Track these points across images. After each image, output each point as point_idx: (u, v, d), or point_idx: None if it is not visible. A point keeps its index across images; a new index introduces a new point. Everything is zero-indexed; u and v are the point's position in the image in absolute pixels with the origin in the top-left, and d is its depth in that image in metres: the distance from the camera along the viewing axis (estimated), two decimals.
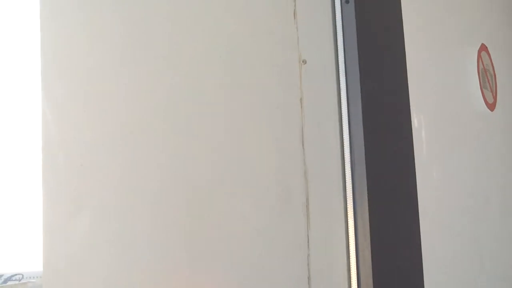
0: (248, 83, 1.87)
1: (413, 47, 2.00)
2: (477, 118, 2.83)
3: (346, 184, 1.85)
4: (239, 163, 1.83)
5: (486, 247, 2.72)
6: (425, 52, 2.32)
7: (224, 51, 1.88)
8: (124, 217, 1.77)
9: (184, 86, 1.85)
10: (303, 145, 1.87)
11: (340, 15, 1.89)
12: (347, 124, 1.86)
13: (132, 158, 1.80)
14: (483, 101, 2.84)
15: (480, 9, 3.13)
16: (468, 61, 2.77)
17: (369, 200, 1.75)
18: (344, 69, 1.87)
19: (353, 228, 1.81)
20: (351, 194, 1.83)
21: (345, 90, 1.87)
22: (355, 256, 1.80)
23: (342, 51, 1.88)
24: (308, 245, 1.83)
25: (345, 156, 1.86)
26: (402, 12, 1.93)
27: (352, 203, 1.82)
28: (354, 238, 1.81)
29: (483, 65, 2.86)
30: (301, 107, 1.89)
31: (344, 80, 1.87)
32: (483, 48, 2.90)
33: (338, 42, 1.90)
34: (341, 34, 1.89)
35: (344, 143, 1.86)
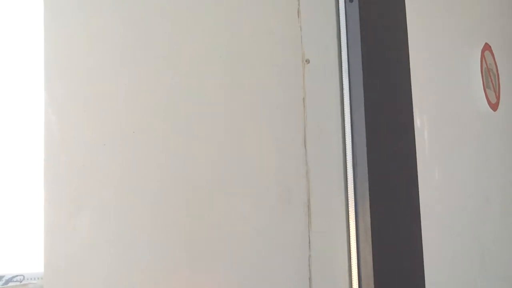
0: (250, 83, 1.87)
1: (417, 47, 1.99)
2: (480, 118, 2.82)
3: (348, 184, 1.85)
4: (240, 163, 1.83)
5: (487, 247, 2.72)
6: (428, 52, 2.32)
7: (226, 50, 1.88)
8: (125, 217, 1.77)
9: (185, 86, 1.84)
10: (305, 145, 1.87)
11: (344, 14, 1.89)
12: (350, 124, 1.85)
13: (133, 158, 1.80)
14: (486, 101, 2.84)
15: (484, 9, 3.13)
16: (472, 61, 2.77)
17: (370, 200, 1.75)
18: (347, 69, 1.87)
19: (355, 229, 1.81)
20: (353, 194, 1.83)
21: (348, 90, 1.86)
22: (356, 256, 1.80)
23: (346, 51, 1.88)
24: (309, 245, 1.83)
25: (347, 156, 1.86)
26: (406, 12, 1.93)
27: (353, 203, 1.82)
28: (355, 238, 1.81)
29: (486, 64, 2.85)
30: (304, 106, 1.88)
31: (347, 80, 1.86)
32: (486, 47, 2.90)
33: (341, 41, 1.90)
34: (345, 34, 1.89)
35: (346, 143, 1.86)
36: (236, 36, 1.89)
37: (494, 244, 2.80)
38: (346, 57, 1.88)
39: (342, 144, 1.87)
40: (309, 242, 1.83)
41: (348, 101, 1.87)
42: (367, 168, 1.76)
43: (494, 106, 2.91)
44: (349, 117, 1.86)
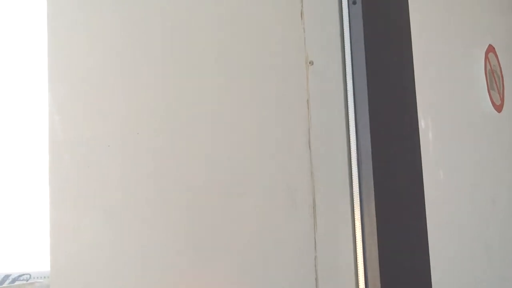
0: (254, 85, 1.87)
1: (420, 48, 1.99)
2: (484, 119, 2.82)
3: (353, 185, 1.85)
4: (246, 165, 1.83)
5: (492, 247, 2.71)
6: (432, 53, 2.31)
7: (230, 52, 1.88)
8: (130, 217, 1.78)
9: (189, 88, 1.85)
10: (309, 146, 1.87)
11: (347, 16, 1.89)
12: (354, 125, 1.85)
13: (138, 159, 1.80)
14: (490, 102, 2.83)
15: (487, 11, 3.12)
16: (475, 63, 2.76)
17: (376, 201, 1.74)
18: (351, 70, 1.87)
19: (360, 229, 1.81)
20: (358, 195, 1.82)
21: (352, 92, 1.86)
22: (362, 257, 1.79)
23: (349, 53, 1.88)
24: (315, 246, 1.83)
25: (351, 157, 1.86)
26: (409, 14, 1.93)
27: (359, 204, 1.82)
28: (361, 239, 1.80)
29: (490, 66, 2.85)
30: (308, 108, 1.88)
31: (351, 81, 1.86)
32: (490, 49, 2.89)
33: (345, 43, 1.89)
34: (348, 35, 1.88)
35: (351, 144, 1.86)
36: (239, 38, 1.89)
37: (500, 244, 2.80)
38: (350, 58, 1.87)
39: (346, 145, 1.87)
40: (315, 243, 1.83)
41: (352, 102, 1.86)
42: (372, 168, 1.76)
43: (498, 108, 2.90)
44: (353, 118, 1.85)
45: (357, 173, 1.83)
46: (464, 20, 2.72)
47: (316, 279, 1.82)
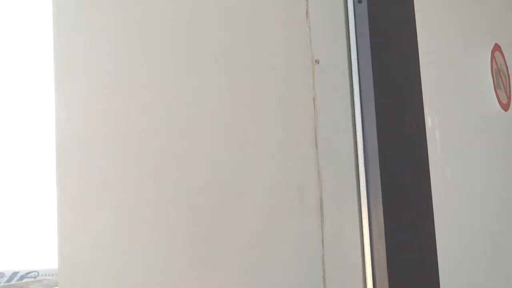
0: (260, 84, 1.88)
1: (426, 47, 1.99)
2: (491, 118, 2.81)
3: (360, 183, 1.85)
4: (252, 163, 1.83)
5: (501, 247, 2.70)
6: (438, 52, 2.31)
7: (236, 51, 1.88)
8: (138, 215, 1.79)
9: (196, 87, 1.85)
10: (316, 144, 1.87)
11: (353, 14, 1.89)
12: (361, 123, 1.85)
13: (146, 157, 1.81)
14: (497, 101, 2.82)
15: (494, 9, 3.11)
16: (482, 61, 2.75)
17: (383, 199, 1.74)
18: (357, 69, 1.86)
19: (368, 227, 1.81)
20: (365, 193, 1.82)
21: (358, 90, 1.86)
22: (370, 255, 1.79)
23: (355, 51, 1.87)
24: (323, 244, 1.83)
25: (358, 155, 1.86)
26: (415, 12, 1.93)
27: (366, 202, 1.82)
28: (368, 237, 1.80)
29: (496, 65, 2.84)
30: (314, 107, 1.89)
31: (357, 80, 1.86)
32: (496, 48, 2.88)
33: (351, 42, 1.89)
34: (354, 34, 1.88)
35: (358, 142, 1.85)
36: (244, 37, 1.90)
37: (508, 244, 2.79)
38: (356, 57, 1.87)
39: (353, 143, 1.87)
40: (322, 241, 1.83)
41: (359, 101, 1.86)
42: (379, 167, 1.76)
43: (505, 106, 2.89)
44: (360, 116, 1.85)
45: (364, 171, 1.83)
46: (470, 19, 2.71)
47: (324, 277, 1.82)
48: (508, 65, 2.99)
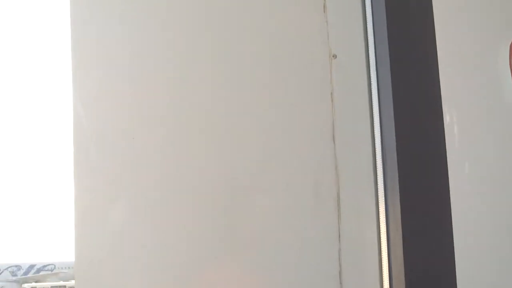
0: (278, 78, 1.87)
1: (444, 41, 1.98)
2: (509, 112, 2.79)
3: (378, 179, 1.84)
4: (270, 159, 1.84)
5: None
6: (456, 46, 2.29)
7: (254, 46, 1.88)
8: (155, 209, 1.79)
9: (214, 82, 1.85)
10: (333, 139, 1.87)
11: (371, 9, 1.88)
12: (378, 118, 1.85)
13: (162, 152, 1.81)
14: None
15: None
16: (500, 55, 2.73)
17: (400, 195, 1.74)
18: (374, 63, 1.86)
19: (385, 223, 1.81)
20: (383, 189, 1.82)
21: (375, 84, 1.86)
22: (386, 251, 1.79)
23: (373, 46, 1.87)
24: (339, 240, 1.83)
25: (376, 151, 1.85)
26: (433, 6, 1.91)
27: (383, 197, 1.82)
28: (385, 233, 1.80)
29: None
30: (332, 101, 1.88)
31: (375, 74, 1.86)
32: None
33: (368, 36, 1.89)
34: (372, 28, 1.88)
35: (375, 137, 1.85)
36: (262, 32, 1.90)
37: None
38: (374, 51, 1.87)
39: (371, 138, 1.86)
40: (339, 236, 1.83)
41: (376, 95, 1.86)
42: (396, 162, 1.76)
43: None
44: (378, 111, 1.85)
45: (381, 166, 1.83)
46: (488, 13, 2.69)
47: (340, 272, 1.82)
48: None
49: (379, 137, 1.84)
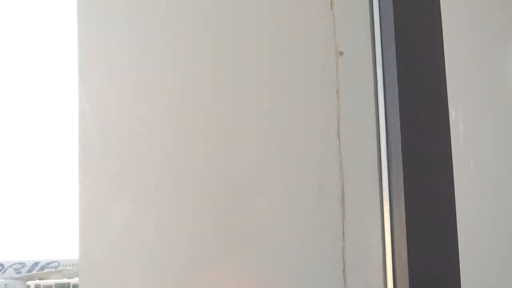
0: (284, 75, 1.87)
1: (451, 37, 1.97)
2: None
3: (382, 176, 1.84)
4: (275, 157, 1.83)
5: None
6: (463, 42, 2.29)
7: (260, 43, 1.88)
8: (158, 207, 1.79)
9: (217, 80, 1.85)
10: (338, 137, 1.87)
11: (378, 6, 1.88)
12: (384, 116, 1.84)
13: (169, 150, 1.81)
14: None
15: None
16: (508, 51, 2.72)
17: (405, 192, 1.74)
18: (381, 61, 1.86)
19: (389, 221, 1.80)
20: (387, 186, 1.82)
21: (382, 82, 1.85)
22: (390, 249, 1.79)
23: (379, 43, 1.87)
24: (343, 237, 1.83)
25: (381, 148, 1.85)
26: (440, 2, 1.91)
27: (388, 195, 1.81)
28: (390, 230, 1.80)
29: None
30: (337, 98, 1.88)
31: (381, 72, 1.85)
32: None
33: (375, 33, 1.88)
34: (378, 25, 1.88)
35: (381, 135, 1.85)
36: (269, 29, 1.89)
37: None
38: (380, 48, 1.87)
39: (376, 136, 1.86)
40: (343, 234, 1.83)
41: (382, 93, 1.86)
42: (401, 159, 1.75)
43: None
44: (383, 109, 1.85)
45: (386, 163, 1.83)
46: (496, 7, 2.68)
47: (344, 270, 1.82)
48: None
49: (384, 135, 1.84)
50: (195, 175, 1.81)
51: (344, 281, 1.82)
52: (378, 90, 1.87)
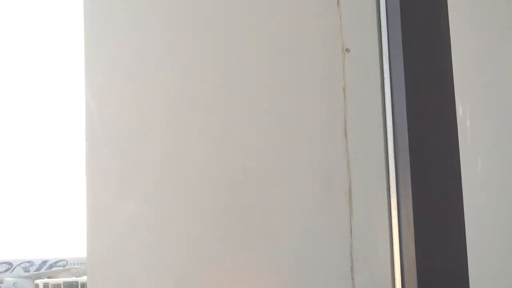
0: (291, 72, 1.87)
1: (458, 34, 1.96)
2: None
3: (390, 173, 1.84)
4: (282, 152, 1.83)
5: None
6: (470, 39, 2.28)
7: (267, 39, 1.88)
8: (165, 205, 1.79)
9: (226, 76, 1.85)
10: (345, 134, 1.86)
11: (384, 2, 1.87)
12: (391, 112, 1.84)
13: (175, 147, 1.81)
14: None
15: None
16: None
17: (412, 190, 1.73)
18: (387, 57, 1.85)
19: (397, 218, 1.80)
20: (395, 183, 1.81)
21: (388, 79, 1.85)
22: (398, 246, 1.78)
23: (386, 40, 1.86)
24: (351, 235, 1.83)
25: (388, 145, 1.85)
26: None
27: (395, 192, 1.81)
28: (397, 228, 1.79)
29: None
30: (344, 96, 1.88)
31: (388, 68, 1.85)
32: None
33: (382, 30, 1.88)
34: (385, 22, 1.87)
35: (388, 131, 1.84)
36: (276, 26, 1.89)
37: None
38: (387, 45, 1.86)
39: (383, 133, 1.86)
40: (351, 231, 1.83)
41: (389, 90, 1.85)
42: (409, 156, 1.75)
43: None
44: (390, 106, 1.84)
45: (393, 161, 1.82)
46: (502, 4, 2.68)
47: (352, 268, 1.82)
48: None
49: (392, 132, 1.83)
50: (203, 171, 1.81)
51: (352, 279, 1.81)
52: (385, 87, 1.86)
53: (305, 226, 1.83)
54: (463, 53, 2.13)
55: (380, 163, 1.86)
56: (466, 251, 1.75)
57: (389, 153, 1.84)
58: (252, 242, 1.81)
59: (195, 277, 1.79)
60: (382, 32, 1.88)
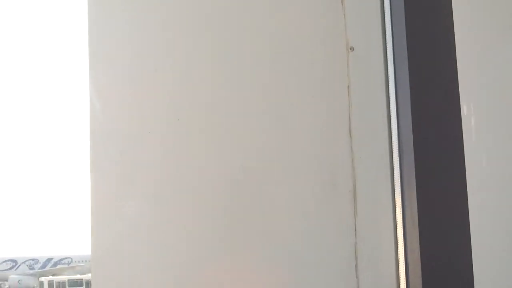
0: (295, 71, 1.87)
1: (463, 32, 1.96)
2: None
3: (394, 171, 1.84)
4: (286, 151, 1.83)
5: None
6: (474, 37, 2.28)
7: (272, 39, 1.88)
8: (169, 203, 1.80)
9: (230, 75, 1.85)
10: (350, 132, 1.86)
11: (389, 1, 1.87)
12: (395, 111, 1.84)
13: (178, 146, 1.81)
14: None
15: None
16: None
17: (417, 187, 1.73)
18: (392, 56, 1.85)
19: (401, 216, 1.80)
20: (399, 181, 1.81)
21: (393, 78, 1.85)
22: (403, 244, 1.78)
23: (391, 38, 1.86)
24: (355, 233, 1.83)
25: (392, 143, 1.85)
26: None
27: (400, 190, 1.81)
28: (402, 225, 1.79)
29: None
30: (349, 94, 1.88)
31: (392, 67, 1.85)
32: None
33: (386, 29, 1.88)
34: (390, 21, 1.87)
35: (392, 130, 1.84)
36: (280, 24, 1.89)
37: None
38: (391, 43, 1.86)
39: (387, 131, 1.86)
40: (355, 230, 1.83)
41: (394, 88, 1.85)
42: (413, 155, 1.75)
43: None
44: (395, 104, 1.84)
45: (398, 159, 1.82)
46: (508, 2, 2.67)
47: (356, 266, 1.82)
48: None
49: (396, 130, 1.83)
50: (207, 169, 1.81)
51: (357, 277, 1.82)
52: (389, 86, 1.86)
53: (309, 225, 1.83)
54: (468, 51, 2.13)
55: (385, 161, 1.86)
56: (470, 250, 1.75)
57: (393, 151, 1.84)
58: (253, 242, 1.81)
59: (195, 276, 1.79)
60: (387, 31, 1.88)
